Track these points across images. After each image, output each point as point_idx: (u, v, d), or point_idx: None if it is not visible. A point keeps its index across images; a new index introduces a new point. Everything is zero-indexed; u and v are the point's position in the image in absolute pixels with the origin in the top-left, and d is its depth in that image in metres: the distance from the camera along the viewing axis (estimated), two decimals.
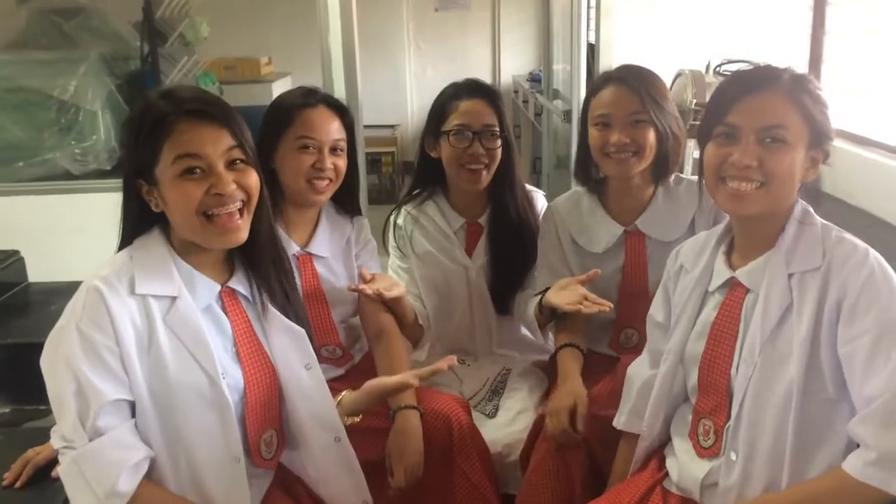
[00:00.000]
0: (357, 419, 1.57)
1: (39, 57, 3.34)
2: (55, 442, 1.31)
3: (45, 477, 1.54)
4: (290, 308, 1.51)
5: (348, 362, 1.98)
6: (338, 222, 1.95)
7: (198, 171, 1.32)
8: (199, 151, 1.32)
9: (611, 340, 1.99)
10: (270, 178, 1.79)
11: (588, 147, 1.90)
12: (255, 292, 1.46)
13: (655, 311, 1.65)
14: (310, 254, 1.89)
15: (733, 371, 1.42)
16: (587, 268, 1.90)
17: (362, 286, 1.84)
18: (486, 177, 2.02)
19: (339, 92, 2.74)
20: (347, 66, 2.73)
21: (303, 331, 1.49)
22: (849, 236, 1.37)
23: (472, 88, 2.04)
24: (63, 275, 1.40)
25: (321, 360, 1.86)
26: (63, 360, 1.27)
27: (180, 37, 3.60)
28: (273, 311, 1.47)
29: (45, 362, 1.31)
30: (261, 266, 1.46)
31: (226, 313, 1.43)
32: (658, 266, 1.85)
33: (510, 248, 2.10)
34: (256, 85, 4.78)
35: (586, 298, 1.74)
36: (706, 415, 1.47)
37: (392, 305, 1.94)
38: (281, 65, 5.51)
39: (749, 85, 1.37)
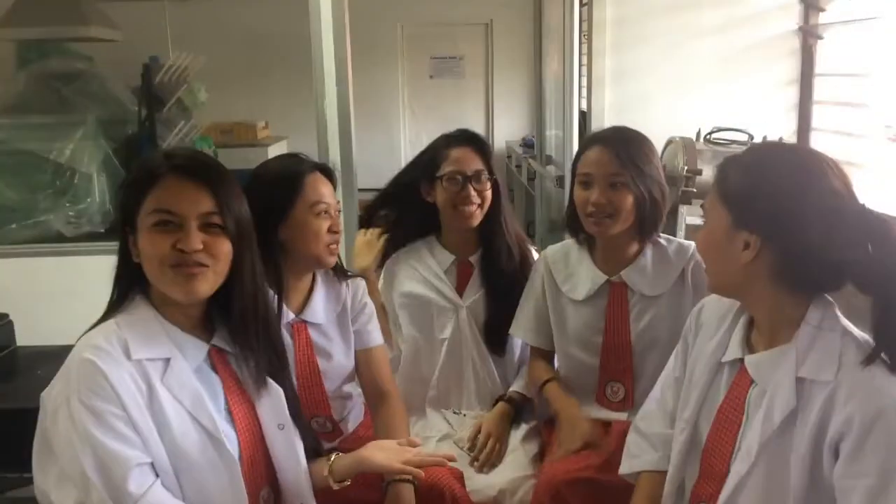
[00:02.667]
0: (347, 483, 1.54)
1: (37, 120, 3.39)
2: None
3: None
4: (275, 372, 1.49)
5: (339, 436, 1.94)
6: (333, 286, 1.94)
7: (170, 224, 1.33)
8: (175, 208, 1.33)
9: (596, 395, 1.97)
10: (270, 248, 1.79)
11: (574, 203, 1.95)
12: (235, 346, 1.45)
13: (676, 364, 1.61)
14: (304, 321, 1.88)
15: (732, 459, 1.37)
16: (567, 316, 1.97)
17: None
18: (479, 215, 2.10)
19: (335, 156, 2.77)
20: (343, 130, 2.77)
21: (279, 389, 1.48)
22: (867, 361, 1.24)
23: (461, 137, 2.15)
24: (52, 338, 1.38)
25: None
26: (76, 434, 1.23)
27: (178, 102, 3.65)
28: (253, 368, 1.46)
29: (59, 440, 1.26)
30: (246, 335, 1.45)
31: (216, 372, 1.42)
32: (640, 319, 1.91)
33: (502, 285, 2.13)
34: (252, 149, 4.83)
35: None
36: (705, 501, 1.42)
37: None
38: (277, 129, 5.58)
39: None
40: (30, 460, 1.31)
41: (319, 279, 1.92)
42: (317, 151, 2.78)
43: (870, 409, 1.19)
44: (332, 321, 1.90)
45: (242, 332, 1.44)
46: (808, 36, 3.60)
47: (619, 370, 1.92)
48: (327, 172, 1.88)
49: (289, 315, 1.84)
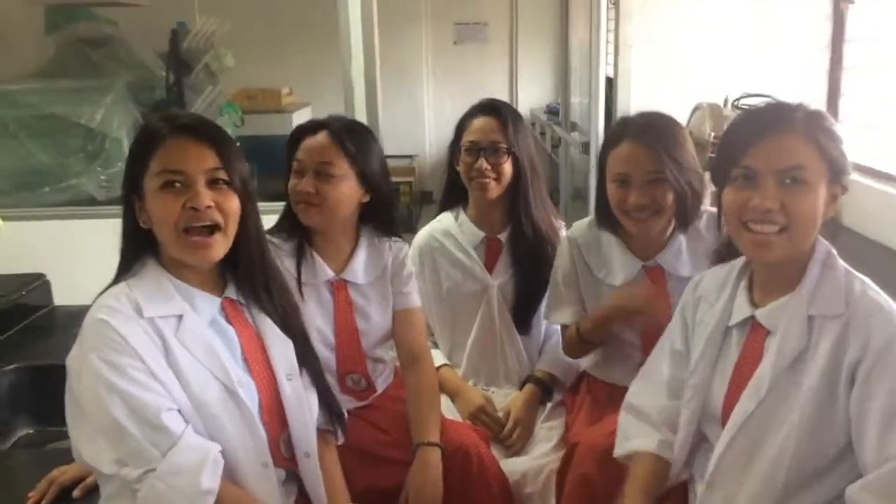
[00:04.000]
0: None
1: (67, 85, 3.41)
2: (130, 473, 1.28)
3: (68, 497, 1.55)
4: (285, 321, 1.53)
5: (371, 395, 1.97)
6: (375, 247, 1.93)
7: (177, 184, 1.35)
8: (181, 167, 1.35)
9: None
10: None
11: (606, 195, 1.88)
12: (247, 299, 1.50)
13: (673, 338, 1.62)
14: (344, 280, 1.89)
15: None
16: (606, 299, 1.92)
17: None
18: (494, 188, 2.08)
19: (360, 120, 2.78)
20: (369, 96, 2.77)
21: (289, 340, 1.51)
22: (873, 291, 1.33)
23: (483, 107, 2.14)
24: (88, 298, 1.42)
25: (344, 390, 1.89)
26: (102, 388, 1.27)
27: (205, 67, 3.66)
28: (266, 319, 1.50)
29: (86, 396, 1.30)
30: (253, 287, 1.49)
31: (231, 323, 1.46)
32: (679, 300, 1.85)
33: (530, 265, 2.12)
34: (276, 115, 4.84)
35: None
36: None
37: None
38: (301, 95, 5.58)
39: (764, 126, 1.35)
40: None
41: (364, 240, 1.92)
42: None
43: (883, 334, 1.27)
44: (373, 282, 1.91)
45: (250, 283, 1.49)
46: (840, 0, 3.54)
47: None
48: (335, 134, 1.83)
49: (328, 273, 1.86)
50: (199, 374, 1.36)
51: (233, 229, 1.42)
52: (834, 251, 1.39)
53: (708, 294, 1.55)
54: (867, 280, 1.37)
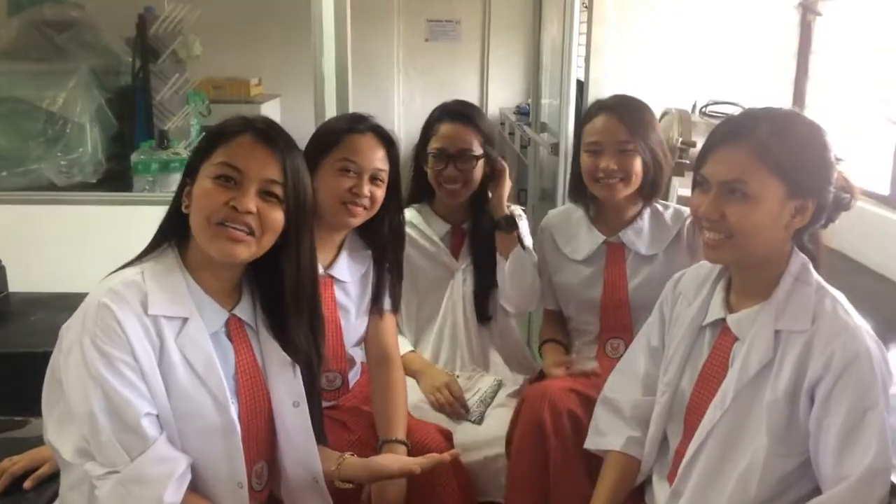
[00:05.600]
0: (350, 486, 1.57)
1: (29, 68, 3.33)
2: (93, 469, 1.26)
3: (19, 488, 1.52)
4: (296, 342, 1.48)
5: (343, 395, 1.97)
6: (357, 251, 1.94)
7: (231, 181, 1.34)
8: (241, 165, 1.34)
9: (597, 352, 2.05)
10: None
11: (580, 169, 2.02)
12: (257, 321, 1.45)
13: (651, 334, 1.65)
14: (331, 276, 1.88)
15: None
16: (568, 274, 2.07)
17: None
18: (463, 193, 2.12)
19: (331, 114, 2.75)
20: (340, 89, 2.75)
21: (296, 366, 1.48)
22: (842, 309, 1.35)
23: (452, 112, 2.14)
24: (45, 285, 1.38)
25: None
26: (88, 375, 1.24)
27: (172, 54, 3.60)
28: (271, 342, 1.46)
29: (69, 377, 1.27)
30: (289, 311, 1.45)
31: (231, 341, 1.42)
32: (636, 277, 2.00)
33: (489, 253, 2.15)
34: (245, 106, 4.79)
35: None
36: None
37: None
38: (270, 87, 5.52)
39: (722, 137, 1.38)
40: (25, 402, 1.33)
41: (348, 240, 1.92)
42: (313, 110, 2.77)
43: (845, 353, 1.28)
44: (356, 282, 1.91)
45: (291, 306, 1.44)
46: (808, 12, 3.60)
47: (619, 327, 2.02)
48: (386, 139, 1.85)
49: (318, 268, 1.85)
50: (190, 384, 1.32)
51: (268, 242, 1.38)
52: (809, 265, 1.41)
53: (687, 291, 1.58)
54: (840, 297, 1.38)
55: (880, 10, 3.11)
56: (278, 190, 1.36)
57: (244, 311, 1.45)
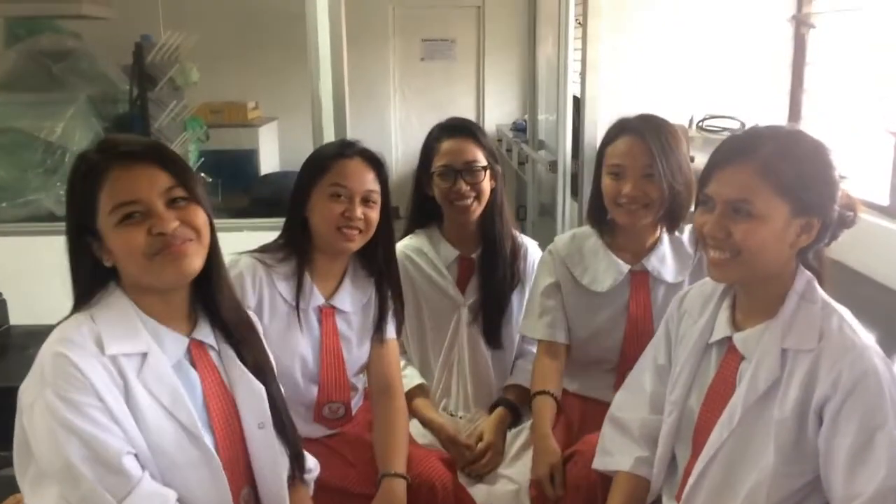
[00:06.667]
0: None
1: (27, 98, 3.36)
2: None
3: None
4: (253, 358, 1.45)
5: (346, 424, 1.94)
6: (360, 279, 1.92)
7: (136, 215, 1.26)
8: (134, 196, 1.26)
9: (615, 384, 1.95)
10: (303, 227, 1.82)
11: (601, 191, 1.92)
12: (219, 341, 1.41)
13: (658, 352, 1.64)
14: (333, 307, 1.86)
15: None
16: (590, 308, 1.95)
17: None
18: (476, 208, 2.08)
19: (329, 137, 2.76)
20: (337, 111, 2.76)
21: (262, 387, 1.43)
22: (848, 327, 1.33)
23: (451, 128, 2.11)
24: (45, 318, 1.36)
25: (319, 420, 1.87)
26: (58, 426, 1.18)
27: (170, 81, 3.62)
28: (236, 364, 1.42)
29: (37, 435, 1.21)
30: (223, 319, 1.41)
31: (195, 367, 1.37)
32: (663, 307, 1.85)
33: (501, 280, 2.12)
34: (243, 129, 4.81)
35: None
36: None
37: None
38: (267, 110, 5.55)
39: (726, 155, 1.37)
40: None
41: (350, 269, 1.90)
42: (311, 133, 2.78)
43: (852, 372, 1.27)
44: (358, 311, 1.90)
45: (221, 312, 1.41)
46: (801, 24, 3.61)
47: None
48: (374, 161, 1.84)
49: (319, 299, 1.84)
50: (159, 419, 1.28)
51: (207, 240, 1.33)
52: (815, 283, 1.40)
53: (692, 309, 1.56)
54: (845, 314, 1.37)
55: (873, 20, 3.12)
56: (181, 192, 1.30)
57: (204, 332, 1.40)
